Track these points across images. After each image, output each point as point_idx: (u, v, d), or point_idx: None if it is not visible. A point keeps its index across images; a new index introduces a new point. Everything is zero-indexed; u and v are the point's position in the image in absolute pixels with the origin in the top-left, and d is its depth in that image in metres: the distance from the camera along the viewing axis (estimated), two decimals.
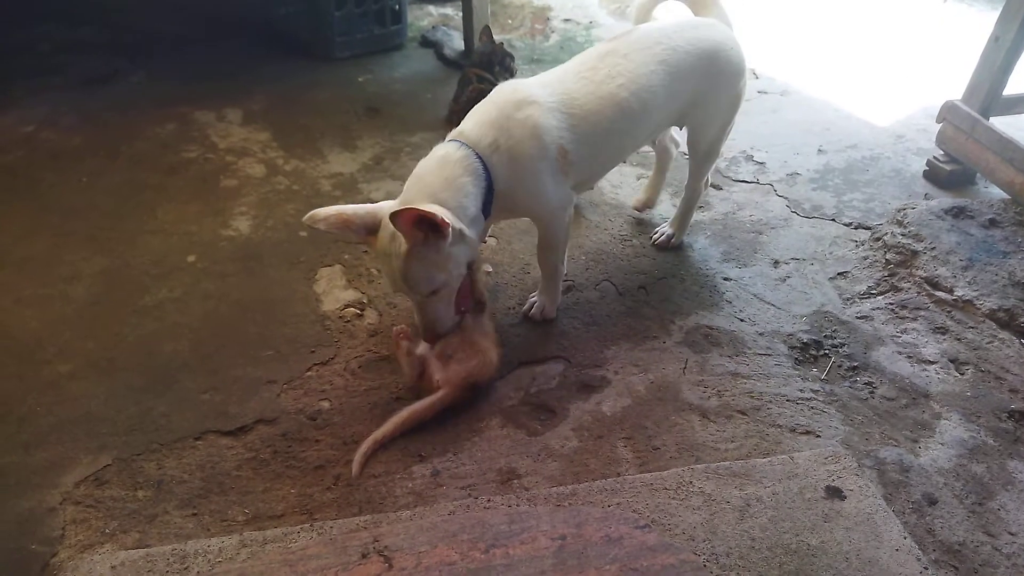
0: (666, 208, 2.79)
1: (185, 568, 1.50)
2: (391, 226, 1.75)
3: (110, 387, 2.02)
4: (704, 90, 2.21)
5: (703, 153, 2.40)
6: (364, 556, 1.48)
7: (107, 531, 1.67)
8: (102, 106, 3.34)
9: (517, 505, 1.61)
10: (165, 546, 1.56)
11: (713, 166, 2.50)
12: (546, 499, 1.63)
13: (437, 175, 1.85)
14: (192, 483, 1.78)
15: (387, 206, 1.84)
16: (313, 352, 2.13)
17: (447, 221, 1.72)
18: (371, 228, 1.84)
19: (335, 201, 2.76)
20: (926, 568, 1.49)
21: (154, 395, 2.00)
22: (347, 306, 2.29)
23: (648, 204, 2.72)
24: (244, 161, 2.99)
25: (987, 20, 4.46)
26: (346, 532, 1.55)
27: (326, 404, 1.97)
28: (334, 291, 2.36)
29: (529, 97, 1.95)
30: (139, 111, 3.31)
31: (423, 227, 1.72)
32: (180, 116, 3.29)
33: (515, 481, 1.77)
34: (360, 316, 2.26)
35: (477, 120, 1.94)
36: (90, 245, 2.52)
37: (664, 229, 2.60)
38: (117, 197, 2.76)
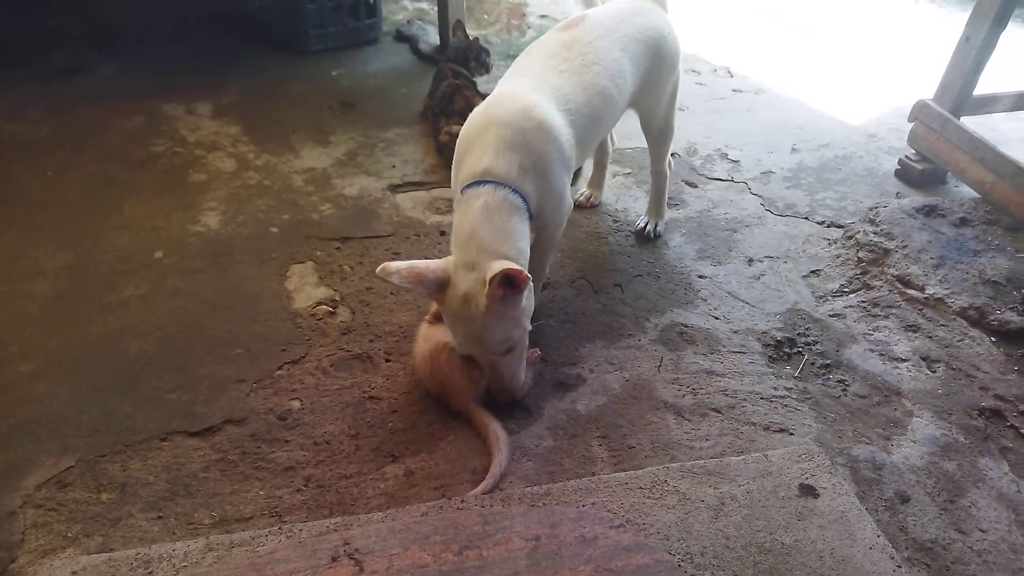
0: (642, 204, 2.78)
1: (149, 573, 1.46)
2: (463, 287, 1.71)
3: (73, 387, 1.97)
4: (653, 73, 2.29)
5: (658, 133, 2.49)
6: (334, 559, 1.45)
7: (69, 535, 1.62)
8: (71, 98, 3.26)
9: (491, 506, 1.59)
10: (128, 550, 1.51)
11: (671, 146, 2.56)
12: (520, 499, 1.61)
13: (489, 228, 1.76)
14: (157, 485, 1.73)
15: (450, 263, 1.76)
16: (284, 350, 2.09)
17: (527, 276, 1.68)
18: (442, 284, 1.75)
19: (307, 197, 2.72)
20: (899, 566, 1.50)
21: (119, 395, 1.95)
22: (319, 304, 2.25)
23: (593, 199, 2.78)
24: (214, 155, 2.93)
25: (957, 20, 4.51)
26: (316, 535, 1.52)
27: (296, 404, 1.94)
28: (306, 288, 2.32)
29: (533, 102, 1.90)
30: (108, 104, 3.24)
31: (503, 285, 1.68)
32: (149, 109, 3.22)
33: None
34: (332, 314, 2.23)
35: (495, 149, 1.82)
36: (55, 240, 2.46)
37: (642, 220, 2.64)
38: (84, 191, 2.70)
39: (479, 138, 1.87)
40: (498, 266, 1.65)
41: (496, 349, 1.80)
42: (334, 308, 2.24)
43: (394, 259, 2.44)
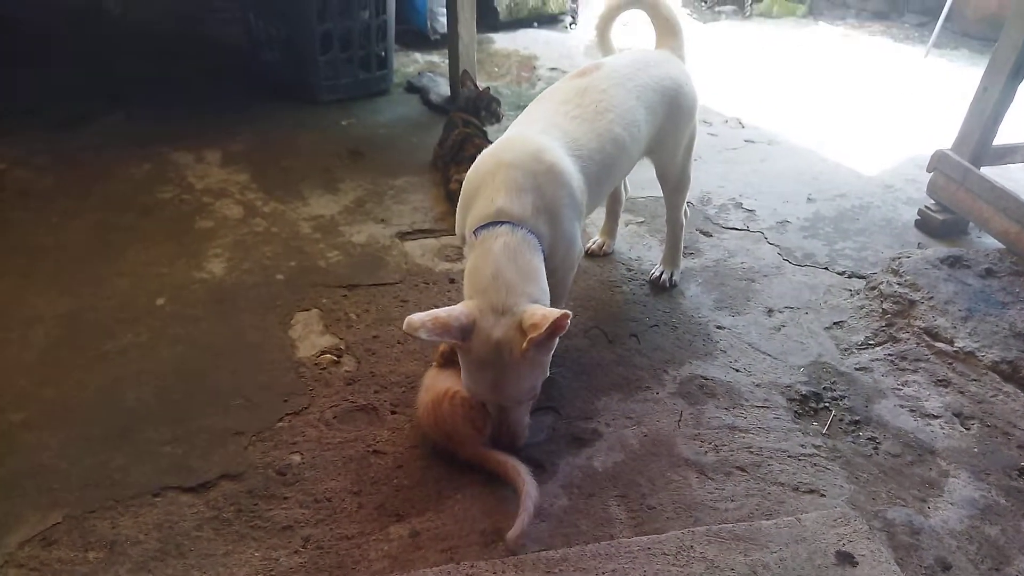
0: (656, 253, 2.72)
1: None
2: (495, 334, 1.64)
3: (66, 438, 1.87)
4: (670, 123, 2.25)
5: (675, 182, 2.44)
6: None
7: None
8: (77, 146, 3.24)
9: (503, 572, 1.48)
10: None
11: (687, 195, 2.51)
12: (535, 565, 1.50)
13: (513, 269, 1.70)
14: (148, 544, 1.63)
15: (474, 307, 1.68)
16: (286, 401, 2.00)
17: (568, 315, 1.62)
18: (467, 331, 1.66)
19: (314, 244, 2.67)
20: None
21: (112, 447, 1.86)
22: (323, 352, 2.17)
23: (606, 248, 2.72)
24: (221, 202, 2.89)
25: (967, 74, 4.55)
26: None
27: (297, 458, 1.84)
28: (310, 336, 2.24)
29: (544, 146, 1.86)
30: (115, 152, 3.22)
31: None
32: (157, 157, 3.20)
33: (501, 544, 1.63)
34: (337, 363, 2.14)
35: (507, 189, 1.77)
36: (55, 287, 2.39)
37: (658, 269, 2.59)
38: (87, 238, 2.65)
39: (489, 179, 1.81)
40: (540, 311, 1.61)
41: (522, 397, 1.73)
42: (339, 357, 2.16)
43: (402, 307, 2.37)
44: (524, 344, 1.61)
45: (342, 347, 2.20)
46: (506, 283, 1.68)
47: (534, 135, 1.91)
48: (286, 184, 3.04)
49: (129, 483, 1.76)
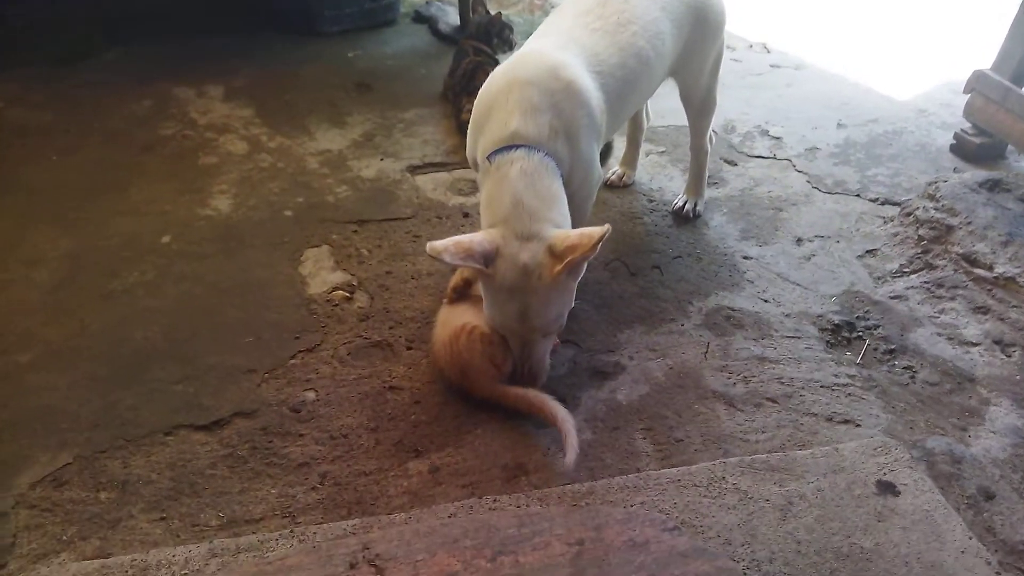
0: (678, 184, 2.60)
1: None
2: (523, 257, 1.56)
3: (73, 378, 1.82)
4: (696, 39, 2.12)
5: (699, 105, 2.32)
6: (352, 566, 1.29)
7: (64, 538, 1.47)
8: (75, 83, 3.13)
9: (527, 506, 1.42)
10: (124, 556, 1.36)
11: (712, 121, 2.39)
12: (560, 498, 1.44)
13: (533, 195, 1.61)
14: (161, 484, 1.58)
15: (497, 235, 1.60)
16: (298, 338, 1.93)
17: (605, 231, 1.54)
18: (489, 258, 1.58)
19: (322, 179, 2.57)
20: (997, 573, 1.31)
21: (121, 386, 1.80)
22: (335, 289, 2.09)
23: (627, 179, 2.60)
24: (225, 138, 2.78)
25: None
26: (331, 539, 1.36)
27: (311, 395, 1.77)
28: (321, 273, 2.16)
29: (561, 61, 1.74)
30: (114, 88, 3.10)
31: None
32: (158, 93, 3.08)
33: (523, 478, 1.58)
34: (349, 299, 2.06)
35: (522, 111, 1.67)
36: (56, 226, 2.32)
37: (681, 199, 2.48)
38: (87, 176, 2.56)
39: (502, 99, 1.70)
40: (574, 233, 1.56)
41: (550, 326, 1.66)
42: (351, 293, 2.08)
43: (415, 242, 2.29)
44: (560, 266, 1.54)
45: (354, 283, 2.12)
46: (528, 210, 1.59)
47: (551, 50, 1.78)
48: (291, 119, 2.92)
49: (140, 422, 1.71)
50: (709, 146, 2.43)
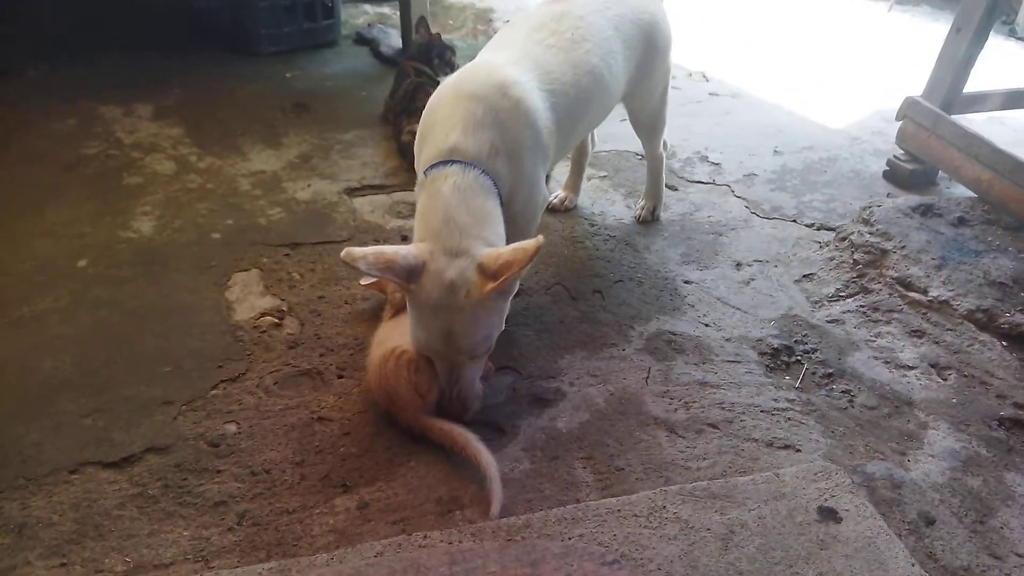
0: (620, 208, 2.59)
1: None
2: (449, 274, 1.49)
3: None
4: (646, 61, 2.12)
5: (650, 127, 2.37)
6: None
7: None
8: None
9: (460, 542, 1.34)
10: None
11: (664, 132, 2.44)
12: (494, 533, 1.37)
13: (465, 212, 1.55)
14: (63, 526, 1.46)
15: (425, 250, 1.53)
16: (220, 367, 1.82)
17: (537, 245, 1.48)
18: (414, 273, 1.51)
19: (254, 201, 2.47)
20: None
21: (25, 421, 1.67)
22: (263, 314, 1.99)
23: (568, 203, 2.57)
24: (152, 157, 2.66)
25: (930, 28, 4.48)
26: None
27: (232, 427, 1.67)
28: (249, 298, 2.06)
29: (511, 78, 1.69)
30: (36, 106, 2.96)
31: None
32: (83, 111, 2.95)
33: (458, 512, 1.50)
34: (278, 325, 1.97)
35: (464, 126, 1.61)
36: None
37: (639, 204, 2.55)
38: (1, 196, 2.41)
39: (446, 112, 1.65)
40: (506, 249, 1.49)
41: (477, 347, 1.58)
42: (280, 319, 1.99)
43: None
44: (493, 284, 1.48)
45: (284, 308, 2.03)
46: (459, 226, 1.53)
47: (502, 64, 1.74)
48: (224, 138, 2.82)
49: (43, 460, 1.58)
50: (663, 153, 2.48)
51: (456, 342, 1.54)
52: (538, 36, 1.82)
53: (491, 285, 1.48)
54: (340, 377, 1.83)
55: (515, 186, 1.71)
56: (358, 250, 1.46)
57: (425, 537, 1.36)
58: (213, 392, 1.76)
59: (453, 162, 1.59)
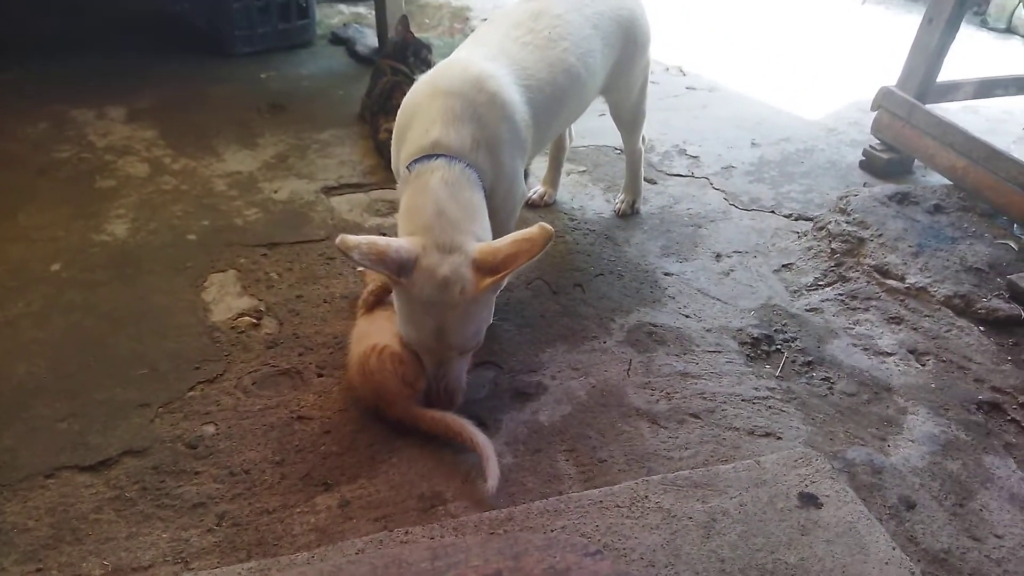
0: (600, 203, 2.59)
1: None
2: (443, 270, 1.48)
3: None
4: (626, 57, 2.13)
5: (630, 121, 2.37)
6: None
7: None
8: None
9: (441, 536, 1.34)
10: None
11: (644, 126, 2.44)
12: (476, 527, 1.36)
13: (455, 206, 1.54)
14: (39, 531, 1.43)
15: (417, 244, 1.52)
16: (198, 368, 1.80)
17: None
18: (405, 267, 1.49)
19: (229, 202, 2.45)
20: None
21: None
22: (241, 315, 1.97)
23: (547, 198, 2.56)
24: (125, 160, 2.63)
25: (903, 21, 4.52)
26: None
27: (210, 429, 1.65)
28: (226, 299, 2.04)
29: (486, 73, 1.69)
30: (7, 110, 2.91)
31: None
32: (55, 115, 2.90)
33: (440, 508, 1.49)
34: (256, 325, 1.95)
35: (444, 120, 1.61)
36: None
37: (618, 198, 2.57)
38: None
39: (424, 108, 1.64)
40: (503, 243, 1.50)
41: (467, 343, 1.58)
42: (258, 319, 1.97)
43: (328, 264, 2.19)
44: (491, 279, 1.49)
45: (262, 308, 2.01)
46: (451, 220, 1.53)
47: (478, 60, 1.73)
48: (198, 140, 2.79)
49: (18, 465, 1.56)
50: (642, 147, 2.48)
51: (448, 339, 1.54)
52: (515, 34, 1.82)
53: (489, 280, 1.49)
54: (320, 376, 1.82)
55: (496, 179, 1.71)
56: (352, 238, 1.45)
57: (407, 533, 1.35)
58: (190, 394, 1.73)
59: (438, 156, 1.58)
